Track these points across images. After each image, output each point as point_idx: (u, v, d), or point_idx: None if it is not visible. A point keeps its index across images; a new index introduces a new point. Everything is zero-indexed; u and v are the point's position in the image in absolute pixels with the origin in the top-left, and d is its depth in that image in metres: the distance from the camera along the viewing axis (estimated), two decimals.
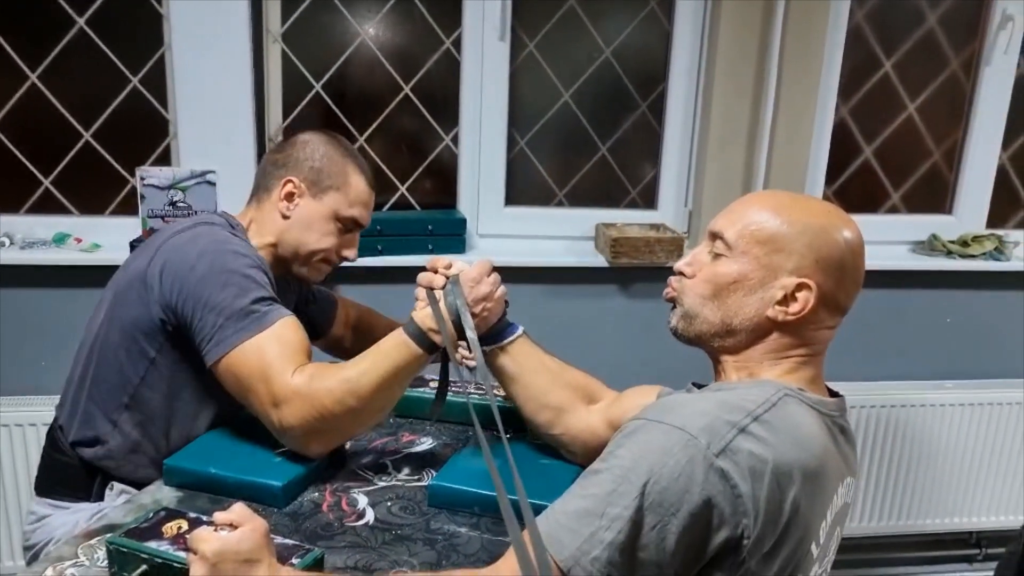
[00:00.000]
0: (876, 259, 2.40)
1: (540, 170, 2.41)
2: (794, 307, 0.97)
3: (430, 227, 2.23)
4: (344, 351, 1.76)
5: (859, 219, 2.43)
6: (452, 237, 2.24)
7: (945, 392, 2.51)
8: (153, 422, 1.36)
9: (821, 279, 0.97)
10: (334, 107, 2.27)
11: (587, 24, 2.31)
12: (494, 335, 1.29)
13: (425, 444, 1.45)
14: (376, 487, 1.30)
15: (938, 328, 2.56)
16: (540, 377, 1.29)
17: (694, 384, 1.12)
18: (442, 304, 1.22)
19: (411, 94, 2.29)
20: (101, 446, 1.36)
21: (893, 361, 2.55)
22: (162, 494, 1.26)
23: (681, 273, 1.07)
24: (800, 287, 0.97)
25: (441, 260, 1.29)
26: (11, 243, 2.12)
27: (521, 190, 2.40)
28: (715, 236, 1.03)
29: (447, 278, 1.25)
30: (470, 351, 1.21)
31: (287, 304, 1.51)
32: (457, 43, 2.26)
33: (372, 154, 2.32)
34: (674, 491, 0.85)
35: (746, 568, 0.87)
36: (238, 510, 0.96)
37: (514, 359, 1.29)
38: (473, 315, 1.22)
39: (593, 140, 2.41)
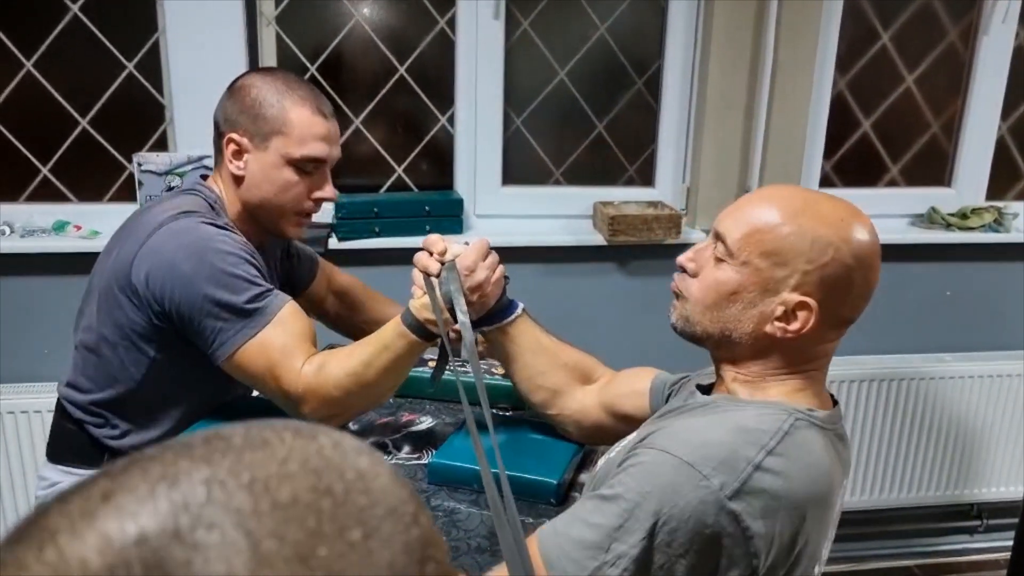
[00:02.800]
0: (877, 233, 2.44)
1: (536, 149, 2.41)
2: (793, 325, 0.93)
3: (427, 208, 2.23)
4: (326, 314, 1.73)
5: (858, 193, 2.48)
6: (450, 218, 2.24)
7: (945, 365, 2.52)
8: (160, 410, 1.38)
9: (824, 297, 0.92)
10: (329, 89, 2.26)
11: (582, 1, 2.30)
12: (494, 315, 1.28)
13: (425, 423, 1.47)
14: (394, 462, 1.31)
15: (938, 301, 2.56)
16: (537, 358, 1.28)
17: (699, 387, 1.09)
18: (438, 292, 1.21)
19: (406, 75, 2.29)
20: (109, 428, 1.38)
21: (893, 334, 2.56)
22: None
23: (683, 269, 1.03)
24: (801, 305, 0.93)
25: (437, 243, 1.26)
26: (11, 231, 2.12)
27: (518, 170, 2.40)
28: (719, 238, 0.98)
29: (442, 263, 1.24)
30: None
31: (271, 263, 1.52)
32: (451, 23, 2.25)
33: (369, 136, 2.32)
34: (684, 532, 0.83)
35: None
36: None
37: (512, 339, 1.29)
38: (470, 302, 1.22)
39: (589, 118, 2.40)
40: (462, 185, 2.35)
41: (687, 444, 0.87)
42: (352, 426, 1.41)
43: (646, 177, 2.46)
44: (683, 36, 2.32)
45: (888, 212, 2.53)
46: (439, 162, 2.37)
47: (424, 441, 1.40)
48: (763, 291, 0.94)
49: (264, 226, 1.40)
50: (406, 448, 1.38)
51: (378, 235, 2.20)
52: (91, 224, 2.16)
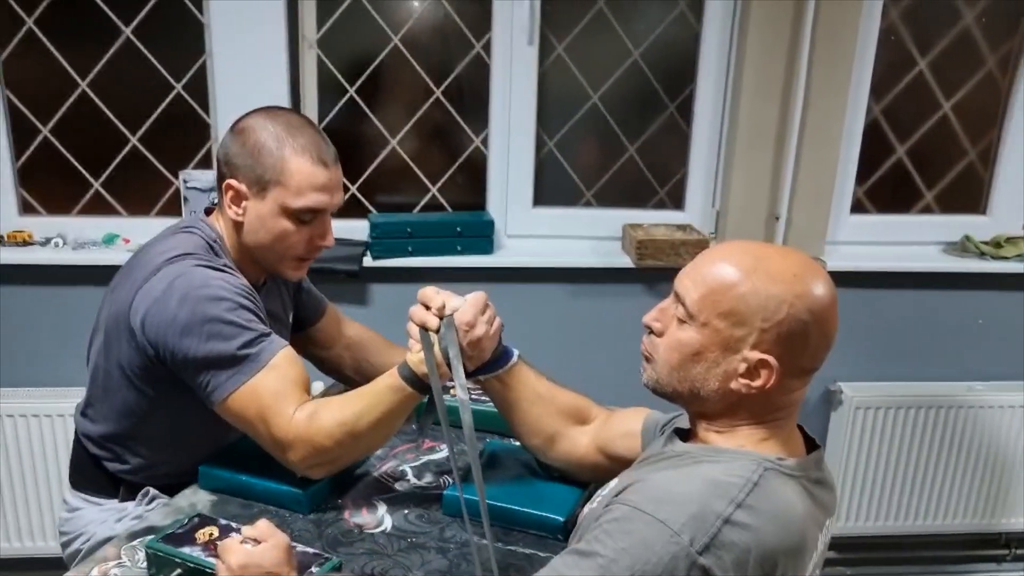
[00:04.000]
0: (907, 260, 2.45)
1: (568, 171, 2.45)
2: (757, 381, 0.97)
3: (459, 229, 2.29)
4: (339, 364, 1.70)
5: (890, 219, 2.47)
6: (480, 239, 2.30)
7: (976, 394, 2.50)
8: (166, 447, 1.42)
9: (783, 353, 0.95)
10: (367, 110, 2.33)
11: (616, 26, 2.34)
12: (490, 364, 1.29)
13: (446, 451, 1.52)
14: (395, 494, 1.37)
15: (969, 329, 2.54)
16: (532, 406, 1.31)
17: (677, 432, 1.12)
18: (436, 349, 1.21)
19: (442, 97, 2.35)
20: (120, 463, 1.43)
21: (924, 362, 2.55)
22: (197, 498, 1.35)
23: (649, 329, 1.05)
24: (761, 363, 0.96)
25: (434, 299, 1.24)
26: (64, 243, 2.23)
27: (549, 191, 2.44)
28: (679, 299, 1.01)
29: (441, 318, 1.23)
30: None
31: (279, 296, 1.54)
32: (487, 47, 2.30)
33: (404, 156, 2.38)
34: None
35: None
36: (262, 526, 1.03)
37: (508, 387, 1.31)
38: (467, 356, 1.23)
39: (621, 141, 2.44)
40: (494, 205, 2.40)
41: (659, 500, 0.91)
42: (379, 452, 1.46)
43: (676, 200, 2.48)
44: (716, 61, 2.34)
45: (921, 239, 2.53)
46: (472, 182, 2.43)
47: (443, 469, 1.45)
48: (724, 350, 0.97)
49: (263, 268, 1.42)
50: (427, 477, 1.43)
51: (411, 254, 2.27)
52: (139, 237, 2.24)
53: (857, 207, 2.52)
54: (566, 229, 2.42)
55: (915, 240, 2.52)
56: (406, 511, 1.32)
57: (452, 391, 1.25)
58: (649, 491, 0.94)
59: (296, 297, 1.64)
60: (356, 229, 2.33)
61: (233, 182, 1.34)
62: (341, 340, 1.71)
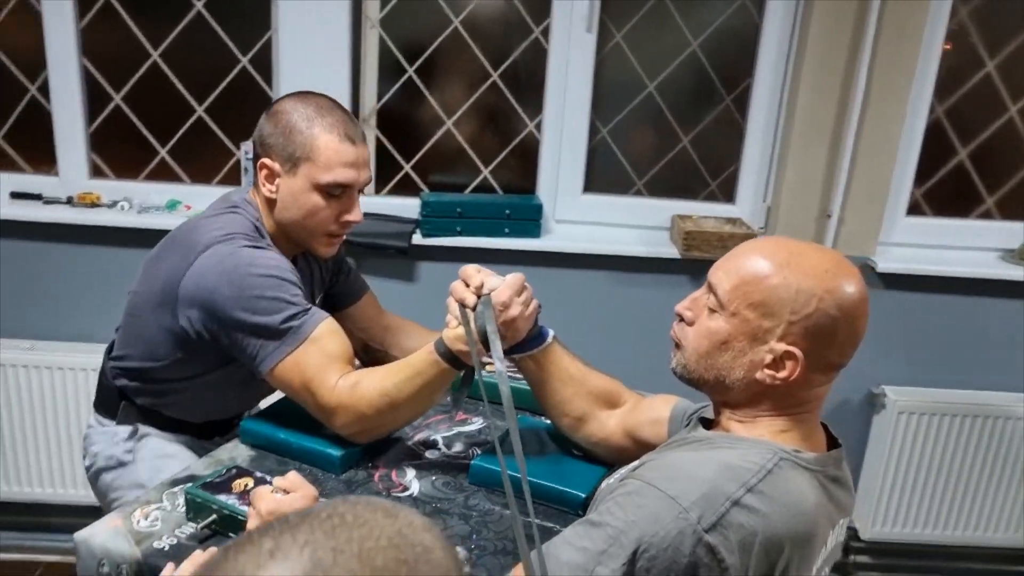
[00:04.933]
0: (962, 265, 2.40)
1: (620, 159, 2.46)
2: (782, 373, 0.99)
3: (507, 211, 2.32)
4: (375, 346, 1.72)
5: (948, 223, 2.43)
6: (528, 222, 2.33)
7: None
8: (180, 398, 1.49)
9: (809, 346, 0.98)
10: (424, 91, 2.38)
11: (675, 16, 2.34)
12: (524, 343, 1.32)
13: (477, 423, 1.56)
14: (425, 461, 1.42)
15: (1021, 340, 2.49)
16: (564, 386, 1.34)
17: (702, 420, 1.15)
18: (473, 325, 1.25)
19: (499, 81, 2.38)
20: (128, 380, 1.49)
21: (971, 370, 2.50)
22: (238, 451, 1.42)
23: (681, 317, 1.08)
24: (787, 355, 0.98)
25: (474, 277, 1.28)
26: (129, 207, 2.33)
27: (601, 178, 2.46)
28: (711, 288, 1.04)
29: (479, 296, 1.26)
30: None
31: (313, 274, 1.60)
32: (546, 33, 2.33)
33: (459, 137, 2.42)
34: (662, 560, 0.89)
35: None
36: (292, 477, 1.08)
37: (541, 367, 1.34)
38: (502, 335, 1.26)
39: (675, 131, 2.44)
40: (544, 190, 2.42)
41: (672, 478, 0.94)
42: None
43: (728, 193, 2.48)
44: (775, 54, 2.32)
45: (978, 245, 2.47)
46: (524, 166, 2.46)
47: (474, 441, 1.49)
48: (752, 340, 1.00)
49: (297, 244, 1.48)
50: (456, 446, 1.48)
51: (460, 234, 2.31)
52: (200, 204, 2.32)
53: (914, 209, 2.48)
54: (615, 217, 2.44)
55: (972, 245, 2.47)
56: (433, 478, 1.37)
57: (487, 367, 1.29)
58: (663, 468, 0.97)
59: (336, 279, 1.70)
60: (408, 207, 2.38)
61: (267, 161, 1.41)
62: (379, 322, 1.76)
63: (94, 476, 1.54)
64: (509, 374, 1.55)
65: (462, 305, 1.27)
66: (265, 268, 1.34)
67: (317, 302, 1.64)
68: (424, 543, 0.52)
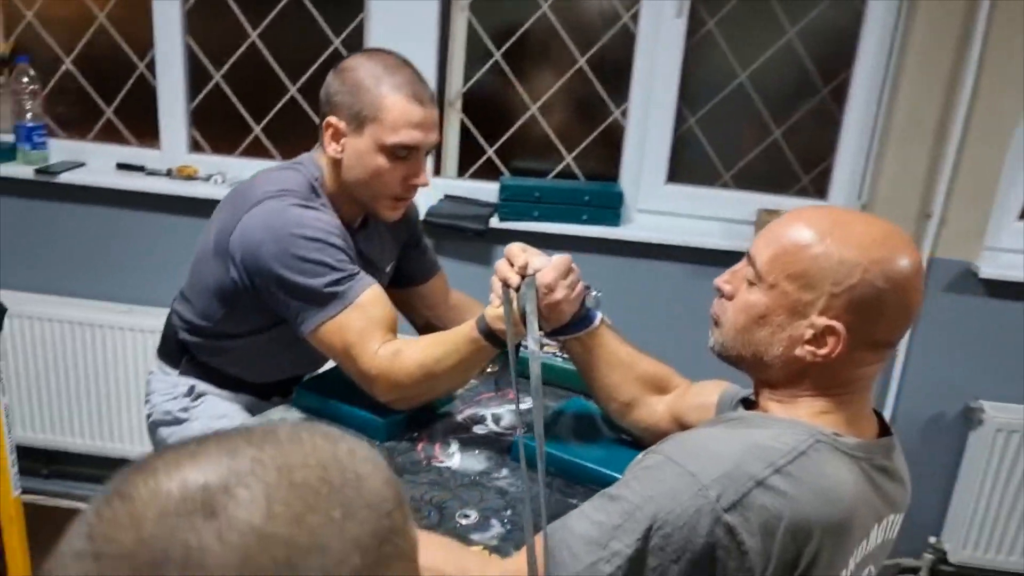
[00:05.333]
0: None
1: (708, 149, 2.39)
2: (823, 349, 0.92)
3: (587, 198, 2.29)
4: (438, 323, 1.69)
5: None
6: (607, 210, 2.30)
7: None
8: (229, 351, 1.51)
9: (853, 321, 0.91)
10: (511, 75, 2.38)
11: (772, 4, 2.25)
12: (571, 325, 1.29)
13: (527, 403, 1.54)
14: (471, 435, 1.41)
15: None
16: (613, 371, 1.29)
17: (742, 402, 1.10)
18: (515, 305, 1.23)
19: (586, 67, 2.35)
20: (190, 335, 1.53)
21: None
22: (289, 415, 1.45)
23: (720, 291, 1.03)
24: (829, 330, 0.92)
25: (518, 256, 1.24)
26: (223, 181, 2.42)
27: (686, 168, 2.40)
28: (750, 260, 0.98)
29: (523, 276, 1.23)
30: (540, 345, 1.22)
31: (391, 242, 1.59)
32: (635, 18, 2.28)
33: (543, 122, 2.41)
34: (677, 539, 0.85)
35: None
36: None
37: (589, 350, 1.30)
38: (545, 317, 1.24)
39: (767, 123, 2.35)
40: (627, 178, 2.38)
41: (694, 454, 0.89)
42: (459, 392, 1.51)
43: (820, 189, 2.37)
44: (877, 44, 2.21)
45: None
46: (609, 154, 2.42)
47: (522, 419, 1.47)
48: (791, 314, 0.94)
49: (362, 205, 1.46)
50: (504, 422, 1.46)
51: (537, 219, 2.30)
52: None
53: None
54: (698, 208, 2.37)
55: None
56: (476, 451, 1.36)
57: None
58: (686, 443, 0.93)
59: (409, 252, 1.69)
60: (487, 191, 2.38)
61: (333, 119, 1.39)
62: (446, 302, 1.76)
63: (151, 427, 1.59)
64: (561, 356, 1.56)
65: (505, 285, 1.25)
66: (311, 230, 1.33)
67: (388, 270, 1.64)
68: (359, 472, 0.50)
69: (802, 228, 0.94)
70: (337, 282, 1.33)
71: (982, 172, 2.18)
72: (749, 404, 1.09)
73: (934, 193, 2.19)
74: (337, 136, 1.40)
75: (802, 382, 0.97)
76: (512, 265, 1.25)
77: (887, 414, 2.36)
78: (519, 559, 0.95)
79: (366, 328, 1.33)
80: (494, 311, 1.27)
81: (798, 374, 0.96)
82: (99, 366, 2.49)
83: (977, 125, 2.14)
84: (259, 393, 1.57)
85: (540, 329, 1.26)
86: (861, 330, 0.92)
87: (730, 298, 1.01)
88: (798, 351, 0.94)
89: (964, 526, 2.36)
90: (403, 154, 1.39)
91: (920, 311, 0.95)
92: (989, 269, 2.22)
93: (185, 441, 0.49)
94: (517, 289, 1.24)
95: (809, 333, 0.93)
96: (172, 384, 1.55)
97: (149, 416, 1.59)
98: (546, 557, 0.91)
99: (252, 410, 1.56)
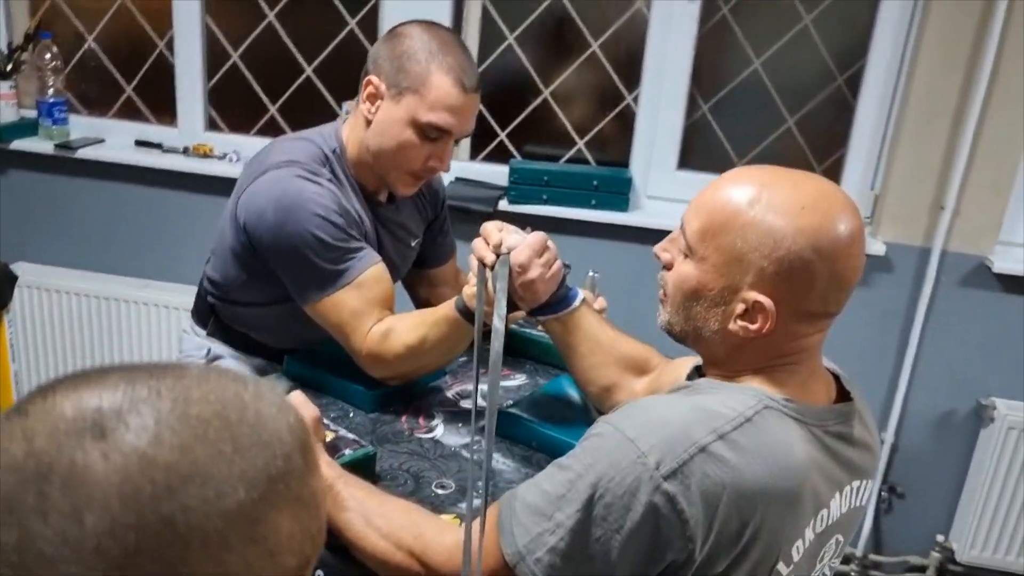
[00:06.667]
0: None
1: (720, 137, 2.37)
2: (755, 325, 0.89)
3: (596, 183, 2.28)
4: (433, 300, 1.66)
5: None
6: (617, 195, 2.29)
7: None
8: (249, 318, 1.53)
9: (782, 294, 0.87)
10: (523, 59, 2.38)
11: None
12: (550, 305, 1.26)
13: (518, 380, 1.54)
14: (456, 410, 1.42)
15: None
16: (593, 352, 1.27)
17: (695, 369, 1.06)
18: (489, 284, 1.22)
19: (598, 51, 2.34)
20: (217, 300, 1.54)
21: None
22: (280, 383, 1.46)
23: (658, 259, 0.99)
24: (757, 305, 0.88)
25: (492, 234, 1.22)
26: (237, 159, 2.45)
27: (698, 155, 2.38)
28: (683, 230, 0.94)
29: (498, 256, 1.21)
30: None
31: (413, 215, 1.58)
32: (649, 3, 2.27)
33: (555, 107, 2.40)
34: (618, 508, 0.83)
35: None
36: (294, 396, 1.10)
37: (569, 331, 1.28)
38: (520, 297, 1.23)
39: (780, 111, 2.33)
40: (637, 164, 2.37)
41: (637, 421, 0.87)
42: (449, 368, 1.52)
43: (833, 178, 2.30)
44: (893, 32, 2.17)
45: None
46: (620, 139, 2.41)
47: (510, 395, 1.48)
48: (722, 289, 0.90)
49: (377, 175, 1.44)
50: None
51: (546, 203, 2.30)
52: None
53: None
54: None
55: None
56: (460, 425, 1.36)
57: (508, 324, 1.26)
58: (632, 411, 0.91)
59: (432, 233, 1.68)
60: (497, 174, 2.39)
61: (374, 79, 1.36)
62: (452, 281, 1.76)
63: None
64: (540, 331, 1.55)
65: (481, 263, 1.23)
66: (311, 204, 1.32)
67: (415, 244, 1.62)
68: (261, 412, 0.51)
69: (730, 195, 0.90)
70: (336, 260, 1.34)
71: (998, 165, 2.14)
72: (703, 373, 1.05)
73: (948, 184, 2.16)
74: (374, 97, 1.37)
75: (741, 357, 0.93)
76: (488, 244, 1.23)
77: (896, 410, 2.33)
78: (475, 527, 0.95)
79: (360, 308, 1.34)
80: (470, 290, 1.27)
81: (736, 348, 0.93)
82: (113, 339, 2.54)
83: (994, 117, 2.10)
84: (280, 359, 1.55)
85: (517, 309, 1.26)
86: (791, 303, 0.88)
87: (668, 267, 0.97)
88: (731, 326, 0.91)
89: (972, 525, 2.32)
90: (434, 135, 1.36)
91: (858, 279, 0.90)
92: (1003, 263, 2.18)
93: (92, 368, 0.51)
94: (492, 268, 1.22)
95: (740, 308, 0.90)
96: (198, 346, 1.58)
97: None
98: (498, 526, 0.90)
99: (263, 374, 1.55)
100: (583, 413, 1.38)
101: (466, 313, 1.29)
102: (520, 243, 1.21)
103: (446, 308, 1.33)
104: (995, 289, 2.22)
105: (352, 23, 2.40)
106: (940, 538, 2.40)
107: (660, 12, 2.25)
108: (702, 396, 0.92)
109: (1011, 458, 2.25)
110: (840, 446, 0.93)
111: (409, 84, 1.34)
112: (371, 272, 1.37)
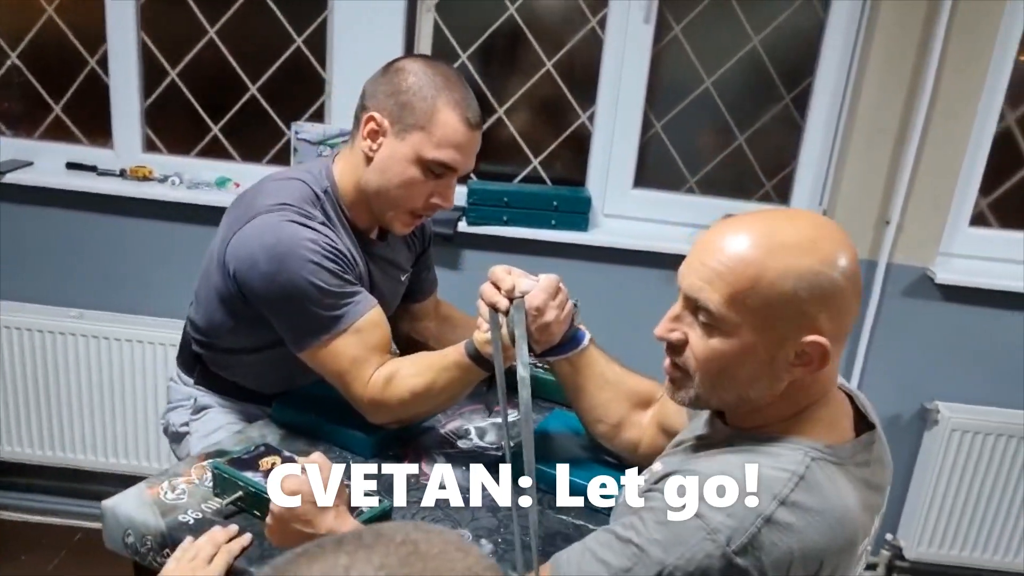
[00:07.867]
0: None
1: (673, 155, 2.40)
2: (812, 364, 0.90)
3: (555, 203, 2.28)
4: (422, 335, 1.71)
5: (1014, 236, 2.32)
6: (576, 215, 2.29)
7: None
8: (240, 364, 1.47)
9: (829, 327, 0.89)
10: (477, 77, 2.35)
11: (737, 11, 2.27)
12: (560, 346, 1.27)
13: (513, 415, 1.52)
14: (457, 451, 1.39)
15: None
16: (600, 391, 1.28)
17: (716, 414, 1.05)
18: (504, 330, 1.21)
19: (553, 70, 2.34)
20: (202, 349, 1.48)
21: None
22: (269, 430, 1.41)
23: (670, 344, 0.96)
24: (812, 345, 0.88)
25: (504, 280, 1.21)
26: (180, 182, 2.35)
27: (652, 173, 2.41)
28: (696, 307, 0.92)
29: (511, 300, 1.20)
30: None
31: (405, 253, 1.55)
32: (603, 23, 2.28)
33: (510, 126, 2.39)
34: None
35: None
36: (316, 457, 1.06)
37: (577, 371, 1.28)
38: (535, 340, 1.22)
39: (731, 128, 2.38)
40: (594, 183, 2.38)
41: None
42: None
43: (783, 195, 2.41)
44: (839, 54, 2.25)
45: None
46: (575, 158, 2.42)
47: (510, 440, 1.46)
48: (768, 345, 0.90)
49: (375, 213, 1.40)
50: (488, 437, 1.45)
51: (506, 224, 2.28)
52: (249, 182, 2.26)
53: (978, 219, 2.38)
54: (665, 214, 2.38)
55: None
56: (464, 468, 1.34)
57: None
58: (688, 483, 0.90)
59: (417, 269, 1.64)
60: (456, 195, 2.35)
61: (376, 115, 1.33)
62: (433, 314, 1.74)
63: (170, 437, 1.56)
64: (542, 366, 1.54)
65: (494, 309, 1.21)
66: (304, 250, 1.28)
67: (404, 279, 1.59)
68: None
69: (739, 253, 0.89)
70: (332, 306, 1.29)
71: (938, 180, 2.24)
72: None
73: (893, 200, 2.24)
74: (376, 134, 1.34)
75: (783, 401, 0.94)
76: (499, 289, 1.22)
77: None
78: None
79: (360, 355, 1.30)
80: (482, 336, 1.25)
81: (785, 394, 0.94)
82: (50, 373, 2.39)
83: (934, 134, 2.19)
84: (270, 403, 1.48)
85: (530, 351, 1.24)
86: (835, 331, 0.90)
87: (682, 347, 0.95)
88: (785, 376, 0.91)
89: (920, 523, 2.43)
90: (439, 172, 1.34)
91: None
92: (944, 274, 2.28)
93: (320, 545, 0.51)
94: (506, 313, 1.21)
95: (793, 354, 0.90)
96: (186, 395, 1.52)
97: (165, 427, 1.56)
98: None
99: (252, 420, 1.49)
100: (589, 451, 1.38)
101: (477, 358, 1.27)
102: (533, 286, 1.21)
103: (455, 354, 1.29)
104: (937, 299, 2.32)
105: (299, 40, 2.32)
106: (889, 536, 2.50)
107: (615, 33, 2.26)
108: (749, 456, 0.92)
109: (955, 458, 2.36)
110: (869, 473, 0.96)
111: (415, 121, 1.31)
112: (369, 317, 1.33)
